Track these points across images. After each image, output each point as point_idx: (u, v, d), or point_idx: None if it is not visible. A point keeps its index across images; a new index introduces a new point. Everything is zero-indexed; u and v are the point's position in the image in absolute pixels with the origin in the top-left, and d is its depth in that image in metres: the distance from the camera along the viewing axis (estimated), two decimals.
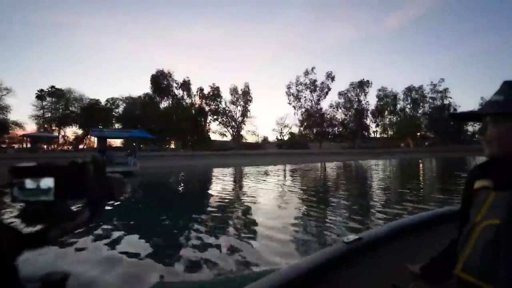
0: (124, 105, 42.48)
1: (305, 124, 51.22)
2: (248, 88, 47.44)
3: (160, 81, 43.10)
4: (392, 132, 54.40)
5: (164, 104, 44.71)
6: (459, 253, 0.65)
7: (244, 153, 35.57)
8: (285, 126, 51.50)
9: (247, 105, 47.43)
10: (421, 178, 13.46)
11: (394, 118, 54.00)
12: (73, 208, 0.38)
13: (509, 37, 75.54)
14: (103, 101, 41.33)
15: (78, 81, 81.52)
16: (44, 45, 67.03)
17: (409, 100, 53.25)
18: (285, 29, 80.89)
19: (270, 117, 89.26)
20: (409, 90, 52.89)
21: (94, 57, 74.05)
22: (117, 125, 41.46)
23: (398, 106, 53.54)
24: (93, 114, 36.22)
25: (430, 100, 52.61)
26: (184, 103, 45.63)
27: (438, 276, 0.80)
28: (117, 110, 42.01)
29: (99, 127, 32.84)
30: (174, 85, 44.61)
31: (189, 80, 45.24)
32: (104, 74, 74.17)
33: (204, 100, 46.34)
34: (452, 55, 79.47)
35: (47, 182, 0.36)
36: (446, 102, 51.38)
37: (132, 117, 39.27)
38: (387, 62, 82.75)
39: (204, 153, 34.63)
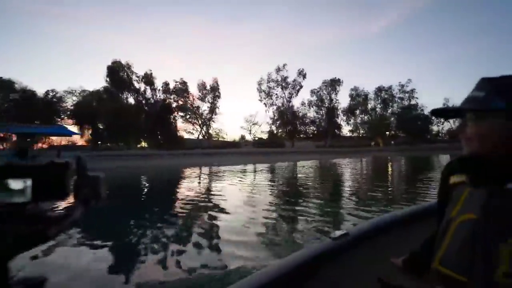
0: (75, 98, 38.01)
1: (278, 122, 50.25)
2: (217, 84, 45.09)
3: (118, 73, 39.26)
4: (363, 131, 55.03)
5: (124, 98, 40.88)
6: (436, 247, 0.65)
7: (216, 152, 34.07)
8: (254, 124, 50.01)
9: (215, 102, 45.03)
10: (388, 177, 12.87)
11: (366, 117, 54.68)
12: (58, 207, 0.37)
13: (465, 47, 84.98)
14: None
15: (20, 73, 72.92)
16: None
17: (379, 100, 54.12)
18: (262, 28, 79.57)
19: (243, 115, 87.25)
20: (379, 90, 53.86)
21: (38, 45, 66.97)
22: (70, 121, 37.22)
23: (369, 106, 54.34)
24: (29, 108, 31.28)
25: (399, 100, 53.96)
26: (147, 98, 42.25)
27: (418, 269, 0.82)
28: (65, 105, 37.39)
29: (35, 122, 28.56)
30: (135, 78, 40.99)
31: (152, 73, 41.88)
32: (51, 65, 67.23)
33: (168, 95, 43.19)
34: (420, 60, 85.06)
35: (22, 183, 0.35)
36: (413, 102, 52.88)
37: (85, 112, 35.28)
38: (361, 63, 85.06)
39: (169, 153, 32.31)
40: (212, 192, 8.58)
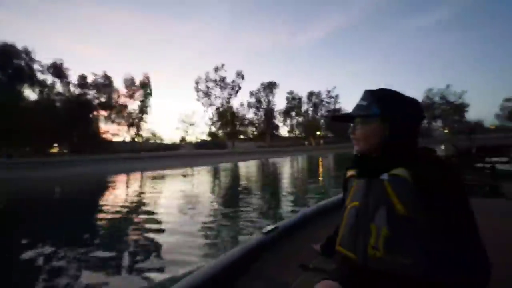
0: None
1: (219, 123, 48.97)
2: (148, 80, 40.52)
3: (11, 60, 30.80)
4: (298, 132, 59.00)
5: (22, 92, 32.36)
6: (339, 231, 0.79)
7: (151, 156, 30.27)
8: (191, 124, 47.36)
9: (146, 100, 40.37)
10: (319, 172, 13.26)
11: (300, 119, 59.10)
12: None
13: (377, 61, 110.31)
14: None
15: None
16: None
17: (311, 104, 59.10)
18: (202, 29, 76.56)
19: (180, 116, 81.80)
20: (310, 94, 58.97)
21: None
22: None
23: (303, 109, 58.91)
24: None
25: (326, 104, 60.04)
26: (58, 93, 34.72)
27: (332, 252, 0.89)
28: None
29: None
30: (38, 67, 33.01)
31: (62, 63, 34.59)
32: None
33: (86, 90, 36.47)
34: (344, 69, 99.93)
35: None
36: (337, 106, 59.64)
37: None
38: (296, 68, 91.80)
39: (91, 158, 27.08)
40: (141, 206, 6.42)
